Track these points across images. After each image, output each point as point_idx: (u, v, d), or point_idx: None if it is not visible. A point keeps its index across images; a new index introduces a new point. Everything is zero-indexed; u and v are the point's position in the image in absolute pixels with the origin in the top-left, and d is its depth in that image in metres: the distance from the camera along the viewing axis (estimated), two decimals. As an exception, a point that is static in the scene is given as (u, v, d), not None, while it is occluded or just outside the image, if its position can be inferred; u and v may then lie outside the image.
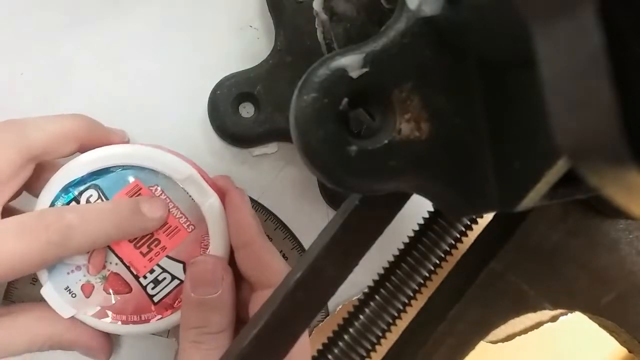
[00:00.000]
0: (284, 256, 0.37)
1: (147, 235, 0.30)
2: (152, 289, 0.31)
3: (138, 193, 0.30)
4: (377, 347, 0.25)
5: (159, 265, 0.31)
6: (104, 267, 0.30)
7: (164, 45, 0.36)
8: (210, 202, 0.30)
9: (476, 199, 0.19)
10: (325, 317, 0.37)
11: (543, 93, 0.12)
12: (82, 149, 0.30)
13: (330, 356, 0.24)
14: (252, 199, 0.36)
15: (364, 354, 0.24)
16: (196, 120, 0.36)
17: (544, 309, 0.25)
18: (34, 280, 0.33)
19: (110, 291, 0.31)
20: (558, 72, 0.11)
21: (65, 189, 0.30)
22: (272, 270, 0.30)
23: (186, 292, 0.29)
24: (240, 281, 0.31)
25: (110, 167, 0.30)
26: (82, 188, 0.30)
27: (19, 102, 0.35)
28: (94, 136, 0.31)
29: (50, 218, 0.28)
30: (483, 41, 0.17)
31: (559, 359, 0.44)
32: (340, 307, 0.37)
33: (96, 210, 0.29)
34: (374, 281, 0.25)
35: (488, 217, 0.26)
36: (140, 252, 0.30)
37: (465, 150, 0.18)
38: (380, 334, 0.24)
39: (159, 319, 0.31)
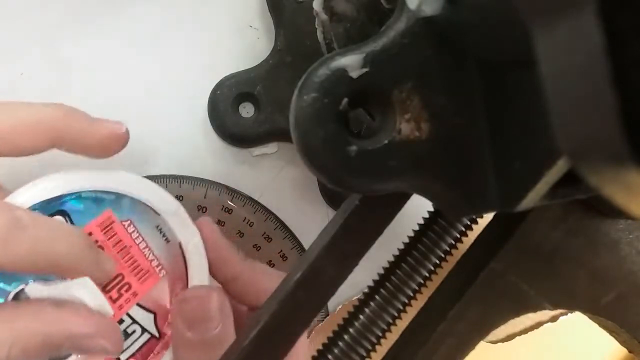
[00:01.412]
0: (283, 256, 0.37)
1: (117, 276, 0.26)
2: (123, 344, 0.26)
3: (110, 226, 0.26)
4: (377, 347, 0.25)
5: (129, 315, 0.26)
6: None
7: (164, 45, 0.36)
8: (194, 242, 0.27)
9: (476, 199, 0.19)
10: (325, 317, 0.37)
11: (543, 93, 0.12)
12: (58, 144, 0.25)
13: (330, 356, 0.24)
14: (252, 199, 0.36)
15: (364, 354, 0.24)
16: (196, 120, 0.36)
17: (544, 309, 0.25)
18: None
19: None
20: (558, 72, 0.11)
21: (32, 208, 0.25)
22: (264, 292, 0.26)
23: (179, 333, 0.25)
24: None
25: (83, 191, 0.26)
26: (48, 212, 0.25)
27: (19, 102, 0.35)
28: (73, 129, 0.26)
29: None
30: (483, 41, 0.17)
31: (559, 359, 0.44)
32: (340, 307, 0.37)
33: (52, 224, 0.24)
34: (374, 281, 0.25)
35: (488, 217, 0.26)
36: (110, 297, 0.25)
37: (465, 150, 0.18)
38: (380, 334, 0.24)
39: None
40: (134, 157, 0.34)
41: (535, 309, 0.25)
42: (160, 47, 0.36)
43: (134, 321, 0.26)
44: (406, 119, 0.18)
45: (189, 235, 0.27)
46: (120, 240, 0.26)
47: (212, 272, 0.28)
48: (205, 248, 0.28)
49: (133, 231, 0.26)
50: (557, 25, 0.11)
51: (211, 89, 0.35)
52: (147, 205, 0.27)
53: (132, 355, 0.26)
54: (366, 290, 0.25)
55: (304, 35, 0.34)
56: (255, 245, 0.36)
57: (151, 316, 0.27)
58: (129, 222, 0.26)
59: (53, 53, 0.35)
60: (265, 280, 0.28)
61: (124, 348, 0.26)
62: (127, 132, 0.27)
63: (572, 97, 0.11)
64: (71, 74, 0.35)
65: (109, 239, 0.26)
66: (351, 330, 0.24)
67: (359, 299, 0.25)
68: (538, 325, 0.39)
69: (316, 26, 0.32)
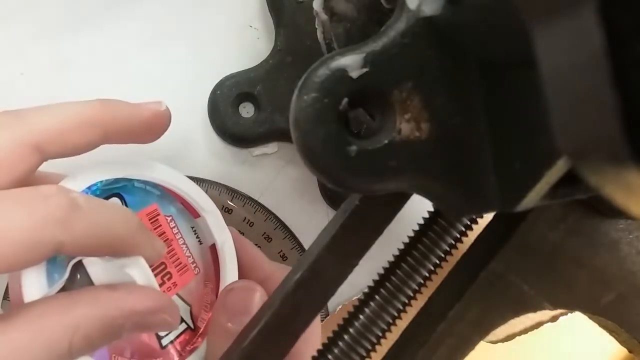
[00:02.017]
0: (283, 256, 0.37)
1: (160, 265, 0.26)
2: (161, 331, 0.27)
3: (156, 218, 0.27)
4: (377, 347, 0.25)
5: None
6: None
7: (164, 45, 0.36)
8: (229, 243, 0.28)
9: (476, 199, 0.19)
10: (325, 317, 0.37)
11: (543, 93, 0.12)
12: (108, 137, 0.25)
13: (330, 356, 0.24)
14: (252, 199, 0.36)
15: (364, 354, 0.24)
16: (196, 120, 0.36)
17: (544, 309, 0.25)
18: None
19: None
20: (558, 72, 0.11)
21: (91, 188, 0.25)
22: None
23: (219, 322, 0.26)
24: None
25: (134, 180, 0.26)
26: (105, 193, 0.26)
27: (19, 102, 0.35)
28: (118, 119, 0.25)
29: (51, 191, 0.21)
30: (483, 41, 0.17)
31: (559, 359, 0.44)
32: (340, 307, 0.37)
33: (105, 203, 0.24)
34: (374, 281, 0.25)
35: (488, 217, 0.26)
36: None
37: (465, 150, 0.18)
38: (380, 334, 0.24)
39: None
40: (133, 157, 0.34)
41: (535, 309, 0.25)
42: (160, 47, 0.36)
43: None
44: (406, 119, 0.18)
45: (225, 236, 0.28)
46: (164, 232, 0.27)
47: (243, 274, 0.28)
48: (236, 250, 0.28)
49: (174, 227, 0.28)
50: (557, 25, 0.11)
51: (211, 89, 0.35)
52: (188, 204, 0.28)
53: (171, 342, 0.27)
54: (366, 290, 0.25)
55: (304, 35, 0.34)
56: (255, 245, 0.36)
57: (188, 308, 0.27)
58: (170, 217, 0.27)
59: (53, 53, 0.35)
60: None
61: (166, 333, 0.26)
62: (168, 109, 0.27)
63: (572, 97, 0.11)
64: (71, 74, 0.35)
65: (155, 229, 0.27)
66: (351, 330, 0.24)
67: (359, 299, 0.25)
68: (538, 325, 0.39)
69: (316, 26, 0.32)
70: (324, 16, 0.30)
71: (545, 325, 0.39)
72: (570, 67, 0.11)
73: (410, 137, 0.18)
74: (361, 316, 0.24)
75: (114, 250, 0.23)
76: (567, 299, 0.26)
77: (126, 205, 0.26)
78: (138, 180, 0.26)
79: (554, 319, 0.39)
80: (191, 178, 0.35)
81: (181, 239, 0.28)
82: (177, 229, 0.28)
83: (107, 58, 0.35)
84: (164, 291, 0.26)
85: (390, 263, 0.25)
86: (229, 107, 0.35)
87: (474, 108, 0.18)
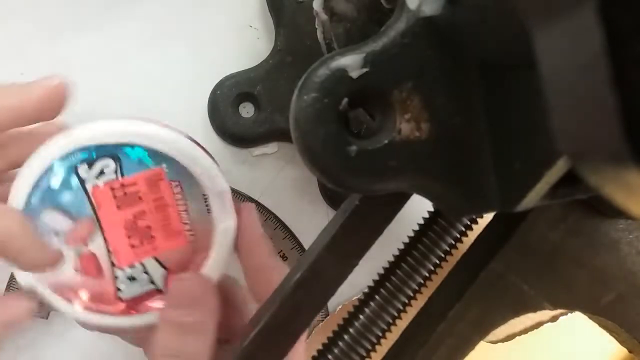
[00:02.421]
0: (283, 256, 0.37)
1: (146, 227, 0.27)
2: (124, 284, 0.28)
3: (156, 182, 0.27)
4: (377, 347, 0.25)
5: (142, 264, 0.28)
6: (84, 242, 0.27)
7: (164, 45, 0.36)
8: (226, 225, 0.28)
9: (476, 199, 0.19)
10: (325, 317, 0.37)
11: (543, 93, 0.12)
12: (3, 125, 0.27)
13: (330, 356, 0.24)
14: (252, 199, 0.36)
15: (364, 354, 0.24)
16: (196, 120, 0.36)
17: (544, 309, 0.25)
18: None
19: (79, 269, 0.28)
20: (558, 72, 0.11)
21: (87, 147, 0.26)
22: None
23: (165, 310, 0.27)
24: (235, 303, 0.30)
25: (140, 145, 0.27)
26: (102, 153, 0.27)
27: (19, 102, 0.35)
28: (10, 104, 0.27)
29: None
30: (483, 41, 0.17)
31: (559, 359, 0.44)
32: (340, 307, 0.37)
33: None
34: (374, 281, 0.25)
35: (488, 217, 0.26)
36: (130, 244, 0.28)
37: (465, 150, 0.18)
38: (380, 334, 0.24)
39: (117, 317, 0.28)
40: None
41: (535, 309, 0.25)
42: (160, 47, 0.36)
43: (145, 270, 0.28)
44: (406, 119, 0.18)
45: (224, 217, 0.28)
46: (162, 197, 0.28)
47: (240, 257, 0.29)
48: (239, 233, 0.28)
49: (178, 192, 0.28)
50: (557, 25, 0.11)
51: (211, 89, 0.35)
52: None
53: (132, 297, 0.28)
54: (366, 290, 0.25)
55: (304, 35, 0.34)
56: (256, 245, 0.36)
57: (163, 271, 0.28)
58: (177, 183, 0.28)
59: (53, 53, 0.35)
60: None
61: (128, 289, 0.28)
62: (62, 82, 0.28)
63: (572, 97, 0.11)
64: (71, 74, 0.35)
65: (152, 192, 0.27)
66: (351, 330, 0.24)
67: (359, 299, 0.25)
68: (538, 325, 0.39)
69: (316, 26, 0.32)
70: (324, 16, 0.30)
71: (545, 325, 0.39)
72: (570, 68, 0.11)
73: (410, 137, 0.18)
74: (361, 316, 0.24)
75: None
76: (567, 299, 0.26)
77: (121, 169, 0.27)
78: (145, 146, 0.27)
79: (554, 319, 0.39)
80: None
81: (183, 205, 0.28)
82: (182, 195, 0.28)
83: (107, 58, 0.35)
84: (137, 253, 0.28)
85: (390, 263, 0.25)
86: (229, 107, 0.35)
87: (474, 108, 0.18)
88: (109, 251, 0.28)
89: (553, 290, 0.25)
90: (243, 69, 0.35)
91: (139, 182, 0.27)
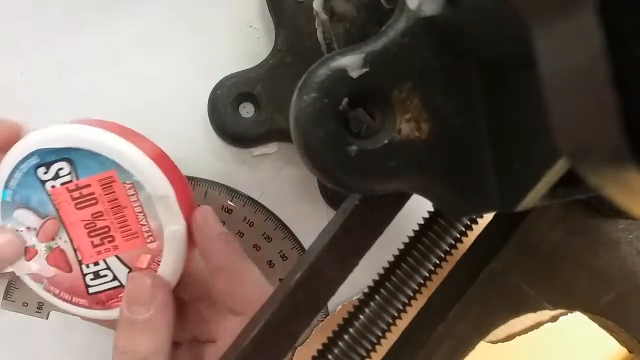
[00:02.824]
0: (283, 256, 0.37)
1: (104, 227, 0.29)
2: (91, 279, 0.30)
3: (110, 184, 0.29)
4: (377, 347, 0.25)
5: (104, 262, 0.29)
6: (54, 239, 0.29)
7: (164, 45, 0.36)
8: (173, 229, 0.29)
9: (476, 199, 0.19)
10: (325, 317, 0.37)
11: (543, 93, 0.12)
12: None
13: (330, 356, 0.24)
14: (252, 199, 0.36)
15: (364, 354, 0.24)
16: (196, 120, 0.36)
17: (544, 309, 0.25)
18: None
19: (51, 264, 0.30)
20: (558, 72, 0.11)
21: (42, 150, 0.28)
22: (244, 298, 0.29)
23: (121, 309, 0.28)
24: (198, 301, 0.31)
25: (88, 150, 0.28)
26: (57, 157, 0.28)
27: (19, 102, 0.35)
28: None
29: None
30: (483, 41, 0.17)
31: (559, 359, 0.44)
32: (340, 307, 0.37)
33: None
34: (374, 281, 0.25)
35: (488, 217, 0.26)
36: (92, 242, 0.29)
37: (465, 150, 0.18)
38: (380, 334, 0.24)
39: (88, 310, 0.30)
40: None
41: (535, 309, 0.25)
42: (160, 47, 0.36)
43: (108, 267, 0.29)
44: (406, 119, 0.18)
45: (171, 220, 0.29)
46: (116, 199, 0.29)
47: (202, 258, 0.30)
48: (196, 236, 0.29)
49: (132, 194, 0.29)
50: (556, 25, 0.11)
51: (211, 89, 0.35)
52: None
53: (100, 292, 0.30)
54: (366, 290, 0.25)
55: (304, 35, 0.34)
56: (255, 245, 0.36)
57: (126, 270, 0.29)
58: (130, 185, 0.29)
59: (53, 53, 0.35)
60: (245, 284, 0.29)
61: (95, 284, 0.30)
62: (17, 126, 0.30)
63: (571, 97, 0.11)
64: (71, 74, 0.35)
65: (106, 194, 0.29)
66: (351, 330, 0.24)
67: (359, 299, 0.25)
68: (538, 325, 0.39)
69: (316, 26, 0.32)
70: (324, 16, 0.30)
71: (545, 325, 0.39)
72: (570, 68, 0.11)
73: (410, 137, 0.18)
74: (361, 316, 0.24)
75: None
76: (567, 299, 0.26)
77: (75, 171, 0.28)
78: (94, 152, 0.28)
79: (554, 319, 0.39)
80: (191, 178, 0.35)
81: (139, 207, 0.29)
82: (137, 197, 0.29)
83: (107, 58, 0.35)
84: (99, 251, 0.29)
85: (390, 263, 0.25)
86: (229, 107, 0.35)
87: (474, 108, 0.18)
88: (74, 248, 0.29)
89: (553, 290, 0.25)
90: (243, 69, 0.35)
91: (93, 184, 0.29)
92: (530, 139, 0.17)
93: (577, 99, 0.11)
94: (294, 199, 0.37)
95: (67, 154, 0.28)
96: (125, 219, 0.29)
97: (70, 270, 0.30)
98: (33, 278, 0.30)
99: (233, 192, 0.36)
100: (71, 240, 0.29)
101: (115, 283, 0.30)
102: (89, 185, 0.29)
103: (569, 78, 0.11)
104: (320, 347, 0.25)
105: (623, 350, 0.33)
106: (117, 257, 0.29)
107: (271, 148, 0.36)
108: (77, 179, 0.28)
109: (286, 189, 0.37)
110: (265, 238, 0.36)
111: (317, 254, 0.21)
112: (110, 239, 0.29)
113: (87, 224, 0.29)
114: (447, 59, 0.18)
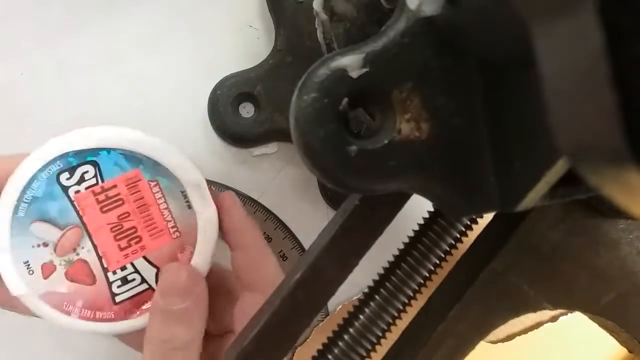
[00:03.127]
0: (283, 256, 0.37)
1: (131, 228, 0.29)
2: (118, 287, 0.29)
3: (135, 184, 0.29)
4: (377, 347, 0.25)
5: (132, 264, 0.29)
6: (74, 250, 0.28)
7: (164, 45, 0.36)
8: (208, 215, 0.29)
9: (476, 199, 0.19)
10: (325, 317, 0.37)
11: (543, 93, 0.12)
12: None
13: (330, 356, 0.24)
14: (252, 199, 0.36)
15: (364, 354, 0.24)
16: (196, 120, 0.36)
17: (544, 309, 0.25)
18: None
19: (71, 278, 0.29)
20: (558, 72, 0.11)
21: (65, 155, 0.28)
22: (263, 276, 0.29)
23: (155, 299, 0.28)
24: (224, 291, 0.31)
25: (116, 149, 0.28)
26: (80, 160, 0.28)
27: (19, 102, 0.35)
28: None
29: None
30: (483, 41, 0.17)
31: (559, 359, 0.44)
32: (340, 307, 0.37)
33: None
34: (374, 281, 0.25)
35: (488, 217, 0.26)
36: (119, 245, 0.29)
37: (465, 151, 0.18)
38: (380, 334, 0.24)
39: (114, 323, 0.29)
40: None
41: (535, 309, 0.25)
42: (160, 47, 0.36)
43: (136, 271, 0.29)
44: (406, 119, 0.18)
45: (204, 207, 0.29)
46: (142, 198, 0.29)
47: (228, 240, 0.30)
48: (223, 218, 0.30)
49: (157, 192, 0.29)
50: (556, 25, 0.11)
51: (211, 89, 0.35)
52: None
53: (127, 299, 0.29)
54: (366, 290, 0.25)
55: (304, 35, 0.34)
56: (255, 245, 0.36)
57: (154, 270, 0.29)
58: (155, 183, 0.29)
59: (53, 53, 0.35)
60: (267, 263, 0.30)
61: (122, 291, 0.29)
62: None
63: (571, 97, 0.11)
64: (71, 74, 0.35)
65: (132, 194, 0.29)
66: (351, 330, 0.24)
67: (359, 299, 0.25)
68: (538, 325, 0.39)
69: (316, 26, 0.32)
70: (324, 16, 0.30)
71: (545, 325, 0.39)
72: (570, 67, 0.11)
73: (410, 137, 0.18)
74: (361, 316, 0.24)
75: None
76: (567, 299, 0.26)
77: (100, 173, 0.28)
78: (119, 149, 0.28)
79: (554, 319, 0.39)
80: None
81: (164, 203, 0.29)
82: (161, 193, 0.29)
83: (107, 58, 0.35)
84: (127, 253, 0.29)
85: (390, 263, 0.25)
86: (229, 107, 0.35)
87: (474, 108, 0.18)
88: (99, 256, 0.29)
89: (553, 290, 0.25)
90: (243, 69, 0.35)
91: (119, 184, 0.28)
92: (530, 139, 0.17)
93: (577, 99, 0.11)
94: (294, 199, 0.37)
95: (92, 156, 0.28)
96: (151, 217, 0.29)
97: (93, 282, 0.29)
98: (47, 300, 0.28)
99: (234, 192, 0.36)
100: (95, 248, 0.29)
101: (144, 286, 0.29)
102: (114, 187, 0.28)
103: (569, 78, 0.11)
104: (320, 347, 0.25)
105: (623, 350, 0.33)
106: (144, 257, 0.29)
107: (271, 148, 0.36)
108: (103, 181, 0.28)
109: (286, 189, 0.37)
110: (265, 238, 0.36)
111: (317, 254, 0.21)
112: (137, 239, 0.29)
113: (114, 227, 0.29)
114: (447, 59, 0.18)
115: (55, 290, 0.28)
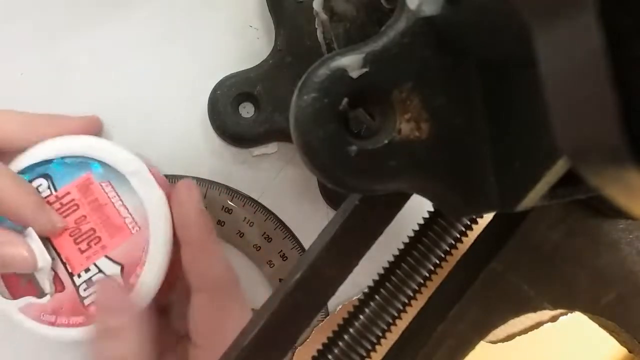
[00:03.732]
0: (283, 256, 0.37)
1: (89, 230, 0.29)
2: (85, 290, 0.29)
3: (88, 187, 0.29)
4: (377, 347, 0.25)
5: (95, 265, 0.30)
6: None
7: (164, 45, 0.36)
8: (154, 198, 0.29)
9: (476, 199, 0.19)
10: (325, 317, 0.37)
11: (543, 93, 0.12)
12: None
13: (330, 356, 0.24)
14: (252, 199, 0.36)
15: (364, 354, 0.24)
16: (196, 120, 0.36)
17: (544, 309, 0.25)
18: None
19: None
20: (558, 72, 0.11)
21: (21, 173, 0.29)
22: (207, 275, 0.29)
23: (93, 314, 0.28)
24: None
25: (63, 157, 0.29)
26: (33, 175, 0.29)
27: (19, 102, 0.35)
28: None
29: None
30: (483, 41, 0.17)
31: (559, 359, 0.44)
32: (340, 307, 0.37)
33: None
34: (374, 281, 0.25)
35: (488, 217, 0.26)
36: (79, 249, 0.29)
37: (465, 151, 0.18)
38: (380, 334, 0.24)
39: (86, 327, 0.29)
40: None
41: (535, 309, 0.25)
42: (160, 47, 0.36)
43: (100, 271, 0.30)
44: (406, 119, 0.18)
45: (149, 193, 0.30)
46: (96, 199, 0.30)
47: (177, 231, 0.30)
48: (175, 208, 0.30)
49: (110, 191, 0.30)
50: (557, 25, 0.11)
51: (211, 89, 0.35)
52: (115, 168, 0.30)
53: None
54: (366, 290, 0.25)
55: (304, 35, 0.34)
56: (255, 245, 0.36)
57: (118, 267, 0.30)
58: (107, 183, 0.30)
59: (53, 53, 0.35)
60: (211, 262, 0.29)
61: (90, 293, 0.29)
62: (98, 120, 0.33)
63: (572, 97, 0.11)
64: (71, 74, 0.35)
65: (86, 198, 0.30)
66: (351, 330, 0.24)
67: (359, 299, 0.25)
68: (538, 325, 0.39)
69: (316, 26, 0.32)
70: (324, 16, 0.30)
71: (545, 325, 0.39)
72: (570, 67, 0.11)
73: (410, 137, 0.18)
74: (361, 316, 0.24)
75: (7, 217, 0.28)
76: (567, 299, 0.26)
77: (53, 184, 0.29)
78: (69, 157, 0.30)
79: (554, 319, 0.39)
80: (191, 178, 0.35)
81: (119, 201, 0.29)
82: (115, 192, 0.30)
83: (107, 58, 0.35)
84: (89, 255, 0.29)
85: (390, 263, 0.25)
86: (229, 107, 0.34)
87: (474, 108, 0.18)
88: (63, 262, 0.29)
89: (553, 290, 0.25)
90: (243, 69, 0.35)
91: (72, 190, 0.30)
92: (530, 139, 0.17)
93: (577, 99, 0.11)
94: (294, 199, 0.37)
95: (44, 170, 0.29)
96: (108, 216, 0.30)
97: (62, 288, 0.29)
98: (25, 312, 0.29)
99: (233, 192, 0.36)
100: (59, 255, 0.29)
101: None
102: (68, 193, 0.30)
103: (569, 78, 0.11)
104: (320, 347, 0.25)
105: (623, 350, 0.33)
106: (106, 256, 0.30)
107: (271, 148, 0.36)
108: (56, 190, 0.29)
109: (286, 189, 0.37)
110: (265, 238, 0.36)
111: (317, 254, 0.21)
112: (97, 240, 0.30)
113: (72, 232, 0.29)
114: (447, 59, 0.18)
115: (32, 301, 0.29)
